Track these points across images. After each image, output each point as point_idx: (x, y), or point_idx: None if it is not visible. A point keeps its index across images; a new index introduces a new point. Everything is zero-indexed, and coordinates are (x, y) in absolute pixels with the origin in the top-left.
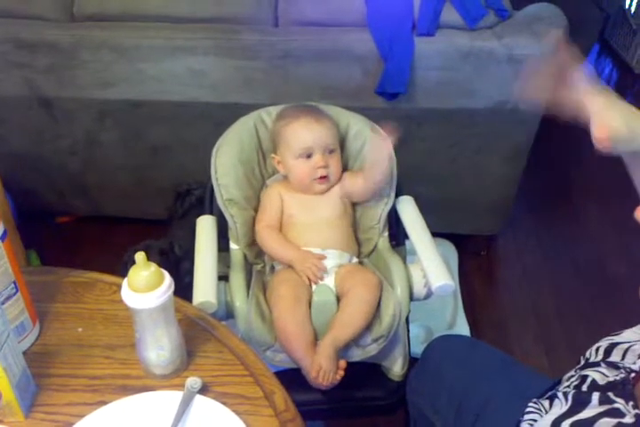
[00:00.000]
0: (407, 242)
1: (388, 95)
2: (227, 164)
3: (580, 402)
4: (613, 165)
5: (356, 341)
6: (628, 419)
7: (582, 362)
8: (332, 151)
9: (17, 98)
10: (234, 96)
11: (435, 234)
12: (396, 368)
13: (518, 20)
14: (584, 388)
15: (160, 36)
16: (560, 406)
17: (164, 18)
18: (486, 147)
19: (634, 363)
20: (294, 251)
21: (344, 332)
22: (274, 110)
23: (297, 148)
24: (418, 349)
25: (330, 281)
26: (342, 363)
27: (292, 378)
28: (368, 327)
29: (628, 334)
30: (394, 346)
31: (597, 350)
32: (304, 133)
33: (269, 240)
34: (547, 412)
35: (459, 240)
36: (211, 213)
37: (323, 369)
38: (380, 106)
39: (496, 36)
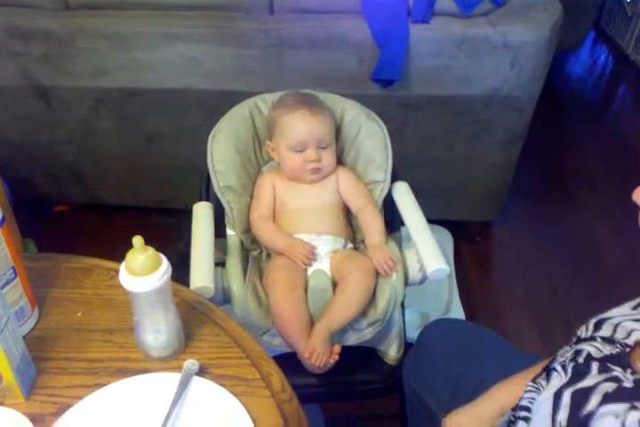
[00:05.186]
0: (402, 228)
1: (384, 82)
2: (222, 151)
3: (580, 372)
4: (608, 151)
5: (351, 325)
6: (627, 384)
7: (574, 339)
8: (326, 146)
9: (12, 87)
10: (229, 83)
11: (430, 221)
12: (392, 352)
13: (513, 7)
14: (580, 360)
15: (155, 23)
16: (560, 378)
17: (159, 6)
18: (481, 133)
19: (626, 338)
20: (285, 240)
21: (340, 316)
22: (269, 97)
23: (291, 140)
24: (413, 334)
25: (325, 266)
26: (337, 347)
27: (289, 362)
28: (364, 312)
29: (615, 311)
30: (389, 330)
31: (587, 326)
32: (299, 127)
33: (262, 231)
34: (545, 389)
35: (454, 227)
36: (207, 199)
37: (317, 352)
38: (375, 93)
39: (491, 23)
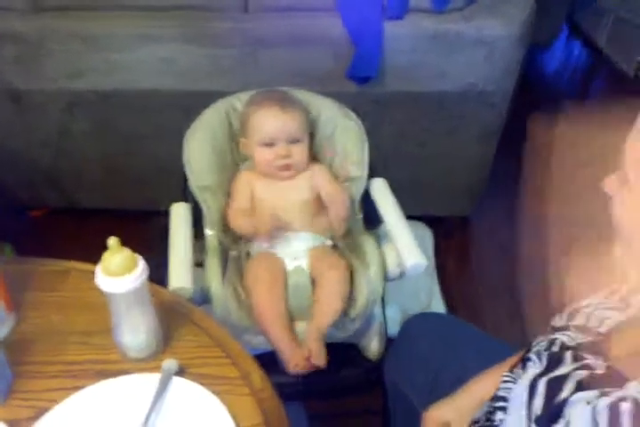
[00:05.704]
0: (381, 225)
1: (359, 79)
2: (198, 150)
3: (555, 361)
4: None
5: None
6: (599, 371)
7: (549, 329)
8: (296, 141)
9: None
10: (204, 84)
11: (409, 216)
12: (373, 348)
13: (486, 3)
14: (554, 349)
15: (129, 24)
16: (535, 367)
17: (132, 6)
18: (457, 129)
19: (599, 326)
20: (260, 221)
21: (325, 318)
22: (245, 97)
23: (259, 135)
24: (395, 329)
25: (304, 263)
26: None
27: (269, 360)
28: (343, 310)
29: (590, 300)
30: (370, 326)
31: (561, 315)
32: (268, 122)
33: (240, 219)
34: (520, 379)
35: (433, 222)
36: (185, 200)
37: (314, 352)
38: (351, 90)
39: (464, 18)
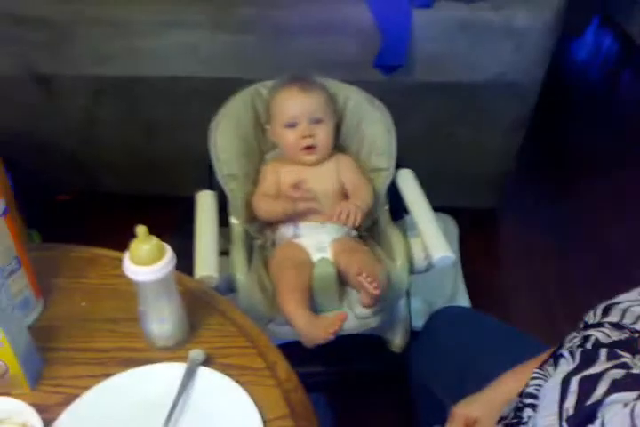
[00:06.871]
0: (407, 216)
1: (386, 68)
2: (225, 139)
3: (588, 358)
4: (613, 137)
5: (355, 313)
6: (636, 370)
7: (582, 325)
8: (319, 121)
9: (12, 75)
10: (230, 71)
11: (435, 208)
12: (397, 340)
13: None
14: (588, 346)
15: (154, 10)
16: (567, 364)
17: None
18: (485, 120)
19: (634, 323)
20: (286, 202)
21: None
22: (271, 84)
23: (282, 117)
24: (419, 322)
25: (328, 254)
26: (342, 315)
27: (295, 350)
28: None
29: (625, 297)
30: (395, 318)
31: (595, 312)
32: (288, 103)
33: (262, 202)
34: (551, 376)
35: (459, 214)
36: (211, 188)
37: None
38: (378, 79)
39: (494, 7)
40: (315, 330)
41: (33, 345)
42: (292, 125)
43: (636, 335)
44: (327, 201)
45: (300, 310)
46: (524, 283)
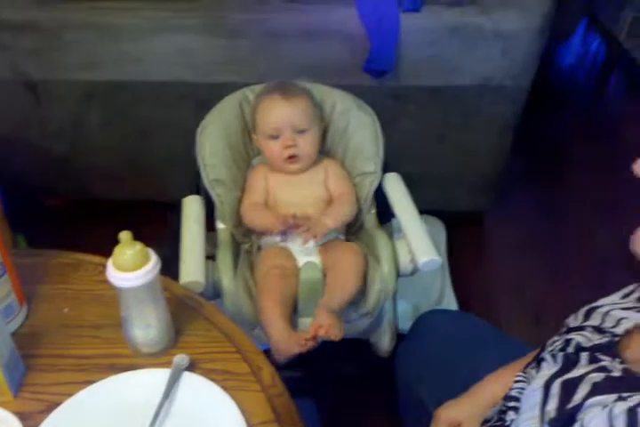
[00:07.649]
0: (394, 220)
1: (376, 73)
2: (212, 143)
3: (570, 362)
4: (602, 137)
5: (343, 316)
6: (616, 373)
7: (564, 329)
8: (302, 131)
9: (1, 81)
10: (219, 75)
11: (424, 211)
12: (384, 344)
13: None
14: (570, 350)
15: (143, 15)
16: (549, 368)
17: None
18: (474, 123)
19: (614, 327)
20: (273, 216)
21: (336, 294)
22: (259, 89)
23: (265, 128)
24: (405, 325)
25: (316, 258)
26: (319, 331)
27: None
28: (354, 303)
29: (605, 300)
30: (381, 322)
31: (577, 315)
32: (270, 113)
33: (251, 212)
34: (534, 379)
35: (448, 217)
36: (197, 193)
37: (325, 325)
38: (367, 84)
39: (483, 11)
40: (287, 343)
41: (16, 352)
42: (275, 137)
43: (616, 339)
44: (316, 207)
45: (278, 323)
46: (512, 285)
